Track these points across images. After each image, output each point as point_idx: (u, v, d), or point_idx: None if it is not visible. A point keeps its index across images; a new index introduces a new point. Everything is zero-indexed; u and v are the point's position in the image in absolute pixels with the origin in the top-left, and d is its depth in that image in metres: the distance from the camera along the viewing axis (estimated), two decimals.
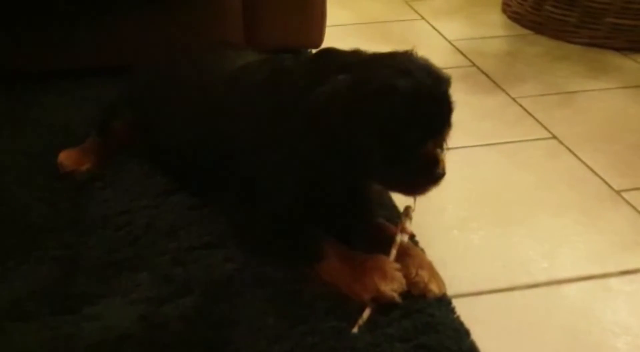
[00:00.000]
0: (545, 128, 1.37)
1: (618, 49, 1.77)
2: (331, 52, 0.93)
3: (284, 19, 1.56)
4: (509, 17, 2.04)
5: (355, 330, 0.80)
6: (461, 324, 0.83)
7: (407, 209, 0.96)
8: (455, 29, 1.96)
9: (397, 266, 0.87)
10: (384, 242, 0.91)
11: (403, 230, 0.92)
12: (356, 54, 0.91)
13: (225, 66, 1.08)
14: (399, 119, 0.81)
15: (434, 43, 1.88)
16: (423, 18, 2.06)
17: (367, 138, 0.82)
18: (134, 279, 0.91)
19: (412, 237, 0.97)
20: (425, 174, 0.86)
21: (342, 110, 0.82)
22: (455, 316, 0.84)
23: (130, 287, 0.89)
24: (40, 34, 1.44)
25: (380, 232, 0.95)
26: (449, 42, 1.87)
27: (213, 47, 1.22)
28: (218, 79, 1.06)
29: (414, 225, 0.97)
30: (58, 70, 1.49)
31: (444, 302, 0.86)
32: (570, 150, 1.29)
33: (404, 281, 0.86)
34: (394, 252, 0.89)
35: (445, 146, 0.90)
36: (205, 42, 1.31)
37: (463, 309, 0.86)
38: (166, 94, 1.13)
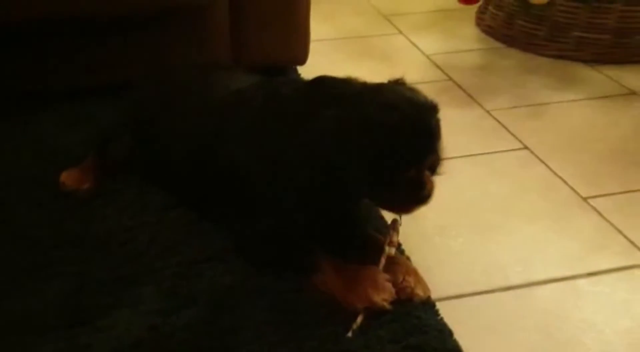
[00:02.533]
0: (518, 139, 1.46)
1: (585, 61, 1.87)
2: (325, 81, 1.00)
3: (270, 38, 1.62)
4: (483, 31, 2.13)
5: (349, 334, 0.87)
6: (445, 325, 0.91)
7: (395, 222, 1.04)
8: (432, 43, 2.05)
9: (387, 276, 0.94)
10: (373, 252, 0.98)
11: (391, 243, 1.00)
12: (348, 85, 0.97)
13: (220, 89, 1.15)
14: (382, 150, 0.89)
15: (412, 57, 1.97)
16: (401, 33, 2.15)
17: (356, 169, 0.89)
18: (140, 292, 0.97)
19: (398, 246, 1.06)
20: (411, 196, 0.94)
21: (331, 145, 0.90)
22: (439, 317, 0.92)
23: (138, 300, 0.96)
24: (36, 55, 1.50)
25: (369, 243, 1.02)
26: (427, 56, 1.96)
27: (207, 68, 1.29)
28: (213, 102, 1.12)
29: (400, 235, 1.05)
30: (54, 90, 1.55)
31: (428, 306, 0.94)
32: (541, 160, 1.38)
33: (393, 290, 0.93)
34: (382, 261, 0.97)
35: (438, 169, 0.98)
36: (199, 64, 1.38)
37: (446, 311, 0.94)
38: (163, 115, 1.19)
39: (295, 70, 1.76)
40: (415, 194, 0.94)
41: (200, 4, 1.48)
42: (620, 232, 1.14)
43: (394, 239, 1.01)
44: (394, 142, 0.89)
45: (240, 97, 1.08)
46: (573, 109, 1.62)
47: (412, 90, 0.96)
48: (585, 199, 1.24)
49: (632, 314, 0.96)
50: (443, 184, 1.17)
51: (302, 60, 1.70)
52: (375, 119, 0.89)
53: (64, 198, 1.20)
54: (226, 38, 1.60)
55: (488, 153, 1.42)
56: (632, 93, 1.69)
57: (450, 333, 0.89)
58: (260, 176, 0.98)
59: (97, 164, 1.26)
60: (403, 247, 1.07)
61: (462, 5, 1.96)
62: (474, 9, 2.19)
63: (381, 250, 0.98)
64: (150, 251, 1.06)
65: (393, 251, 0.99)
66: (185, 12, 1.51)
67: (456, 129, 1.52)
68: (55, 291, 0.98)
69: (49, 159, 1.30)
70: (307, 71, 1.72)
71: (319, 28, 2.10)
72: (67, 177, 1.23)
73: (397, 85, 0.97)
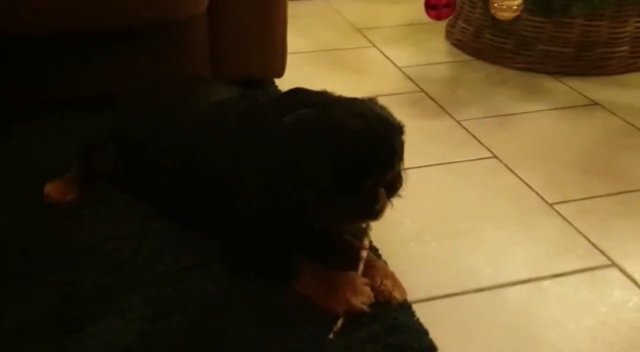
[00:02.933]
0: (487, 148, 1.53)
1: (549, 73, 1.96)
2: (300, 91, 1.05)
3: (247, 51, 1.67)
4: (452, 44, 2.21)
5: (331, 336, 0.92)
6: (421, 325, 0.96)
7: (366, 228, 1.09)
8: (404, 55, 2.12)
9: (366, 280, 1.00)
10: (351, 257, 1.04)
11: (364, 247, 1.06)
12: (322, 95, 1.03)
13: (201, 101, 1.19)
14: (347, 155, 0.92)
15: (385, 70, 2.03)
16: (374, 46, 2.22)
17: (319, 168, 0.92)
18: (129, 299, 1.00)
19: (375, 251, 1.11)
20: (364, 208, 0.98)
21: (301, 140, 0.94)
22: (415, 318, 0.97)
23: (127, 306, 0.99)
24: (21, 68, 1.52)
25: (347, 249, 1.07)
26: (399, 68, 2.03)
27: (188, 81, 1.33)
28: (194, 114, 1.16)
29: (377, 241, 1.12)
30: (39, 102, 1.57)
31: (405, 307, 0.99)
32: (509, 169, 1.45)
33: (372, 294, 0.98)
34: (361, 266, 1.02)
35: (396, 189, 1.02)
36: (180, 77, 1.42)
37: (421, 312, 0.99)
38: (145, 127, 1.23)
39: (273, 83, 1.81)
40: (368, 206, 0.97)
41: (181, 18, 1.52)
42: (583, 235, 1.21)
43: (365, 243, 1.06)
44: (358, 150, 0.93)
45: (221, 109, 1.13)
46: (539, 119, 1.69)
47: (383, 108, 1.01)
48: (550, 204, 1.31)
49: (595, 313, 1.02)
50: (417, 191, 1.23)
51: (280, 73, 1.75)
52: (344, 124, 0.93)
53: (49, 209, 1.22)
54: (205, 52, 1.64)
55: (459, 162, 1.48)
56: (594, 104, 1.78)
57: (425, 333, 0.94)
58: (236, 180, 1.02)
59: (81, 176, 1.29)
60: (380, 252, 1.12)
61: (432, 20, 2.03)
62: (443, 23, 2.27)
63: (358, 255, 1.03)
64: (136, 259, 1.10)
65: (365, 253, 1.04)
66: (166, 27, 1.55)
67: (428, 138, 1.58)
68: (44, 299, 1.00)
69: (34, 170, 1.33)
70: (285, 84, 1.77)
71: (295, 41, 2.14)
72: (52, 189, 1.25)
73: (369, 101, 1.02)
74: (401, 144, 0.99)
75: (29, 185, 1.28)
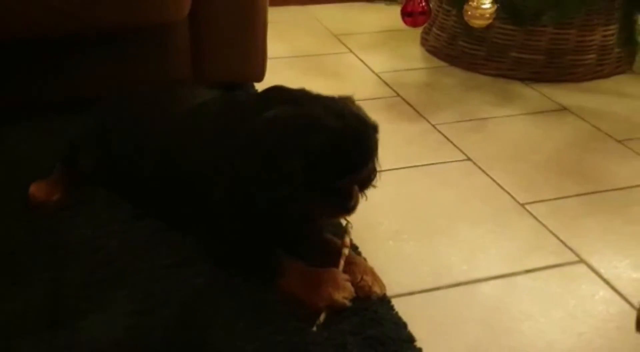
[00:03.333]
0: (461, 151, 1.59)
1: (521, 80, 2.03)
2: (279, 89, 1.07)
3: (228, 56, 1.70)
4: (427, 51, 2.27)
5: (314, 329, 0.96)
6: (399, 318, 1.00)
7: (346, 226, 1.13)
8: (381, 61, 2.18)
9: (347, 276, 1.03)
10: (332, 254, 1.07)
11: (345, 244, 1.10)
12: (301, 93, 1.05)
13: (183, 103, 1.22)
14: (322, 152, 0.95)
15: (362, 75, 2.08)
16: (352, 51, 2.27)
17: (294, 163, 0.95)
18: (116, 295, 1.03)
19: (355, 249, 1.15)
20: (337, 204, 1.01)
21: (278, 134, 0.96)
22: (394, 312, 1.01)
23: (114, 302, 1.01)
24: (3, 70, 1.53)
25: (328, 246, 1.11)
26: (376, 74, 2.08)
27: (171, 85, 1.35)
28: (177, 116, 1.19)
29: (357, 239, 1.15)
30: (20, 104, 1.58)
31: (384, 301, 1.03)
32: (482, 170, 1.50)
33: (352, 289, 1.02)
34: (342, 263, 1.06)
35: (370, 183, 1.06)
36: (163, 81, 1.45)
37: (399, 307, 1.03)
38: (130, 129, 1.25)
39: (253, 87, 1.84)
40: (342, 202, 1.01)
41: (164, 23, 1.55)
42: (553, 234, 1.27)
43: (347, 240, 1.10)
44: (334, 147, 0.95)
45: (202, 109, 1.16)
46: (511, 123, 1.76)
47: (358, 107, 1.04)
48: (522, 204, 1.37)
49: (564, 305, 1.08)
50: (395, 192, 1.28)
51: (260, 78, 1.78)
52: (320, 121, 0.96)
53: (34, 210, 1.24)
54: (187, 56, 1.67)
55: (434, 163, 1.53)
56: (564, 109, 1.85)
57: (404, 325, 0.99)
58: (213, 176, 1.04)
59: (65, 176, 1.30)
60: (360, 250, 1.16)
61: (407, 27, 2.08)
62: (419, 30, 2.33)
63: (339, 253, 1.07)
64: (122, 257, 1.12)
65: (347, 251, 1.08)
66: (149, 31, 1.57)
67: (405, 141, 1.63)
68: (32, 296, 1.02)
69: (17, 171, 1.34)
70: (264, 87, 1.80)
71: (274, 46, 2.17)
72: (36, 189, 1.26)
73: (345, 99, 1.05)
74: (376, 143, 1.02)
75: (13, 186, 1.29)
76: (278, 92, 1.07)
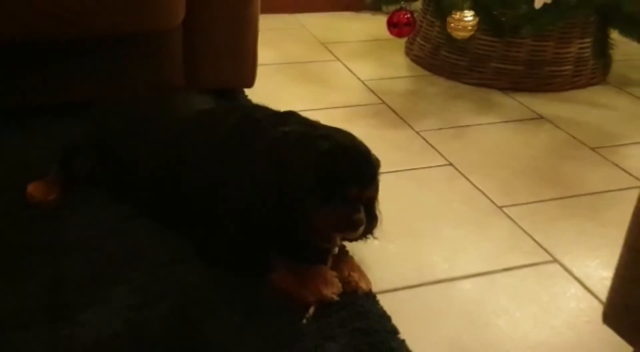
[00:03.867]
0: (444, 157, 1.66)
1: (501, 89, 2.11)
2: (294, 113, 1.17)
3: (220, 62, 1.75)
4: (412, 60, 2.34)
5: (304, 321, 1.02)
6: (384, 312, 1.06)
7: None
8: (366, 69, 2.24)
9: (335, 273, 1.09)
10: (320, 251, 1.13)
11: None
12: (313, 121, 1.14)
13: (183, 108, 1.28)
14: (333, 161, 1.03)
15: (348, 82, 2.14)
16: (338, 59, 2.33)
17: (307, 169, 1.02)
18: (114, 290, 1.07)
19: (342, 247, 1.20)
20: (344, 218, 1.05)
21: (292, 143, 1.05)
22: (379, 306, 1.07)
23: (112, 297, 1.06)
24: None
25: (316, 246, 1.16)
26: (362, 81, 2.15)
27: (167, 91, 1.41)
28: (178, 121, 1.24)
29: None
30: (15, 108, 1.62)
31: (370, 296, 1.09)
32: (463, 175, 1.57)
33: (340, 285, 1.08)
34: (330, 260, 1.12)
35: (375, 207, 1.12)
36: (157, 88, 1.50)
37: (385, 302, 1.09)
38: (129, 132, 1.30)
39: (243, 93, 1.90)
40: (348, 216, 1.05)
41: (158, 30, 1.60)
42: (529, 235, 1.34)
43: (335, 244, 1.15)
44: (344, 158, 1.04)
45: (211, 116, 1.21)
46: (491, 131, 1.83)
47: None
48: (500, 207, 1.44)
49: (538, 301, 1.14)
50: (380, 195, 1.33)
51: (250, 84, 1.84)
52: (332, 136, 1.05)
53: (32, 209, 1.28)
54: (180, 62, 1.72)
55: (417, 168, 1.60)
56: (541, 118, 1.93)
57: (389, 318, 1.05)
58: (223, 183, 1.10)
59: (61, 177, 1.34)
60: (348, 248, 1.22)
61: (393, 37, 2.15)
62: (403, 39, 2.40)
63: (328, 250, 1.13)
64: (119, 255, 1.17)
65: (336, 250, 1.14)
66: (144, 38, 1.62)
67: (389, 147, 1.69)
68: (33, 291, 1.07)
69: (15, 172, 1.38)
70: (254, 93, 1.87)
71: (262, 53, 2.21)
72: (34, 189, 1.31)
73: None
74: (377, 177, 1.09)
75: (11, 186, 1.33)
76: (294, 115, 1.16)
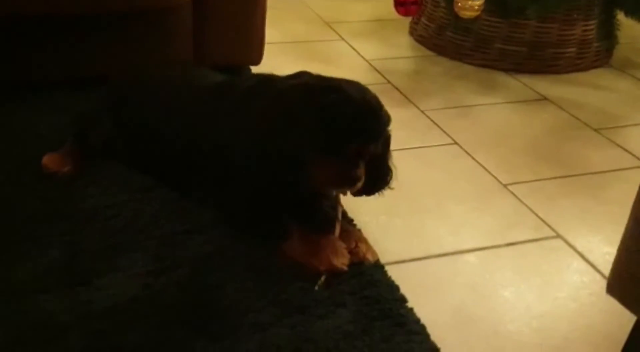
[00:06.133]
0: (448, 136, 1.68)
1: (505, 70, 2.13)
2: (305, 72, 1.17)
3: (229, 39, 1.77)
4: (416, 40, 2.36)
5: (316, 288, 1.05)
6: (393, 281, 1.09)
7: (337, 196, 1.21)
8: (371, 49, 2.26)
9: (344, 244, 1.12)
10: (328, 223, 1.16)
11: (338, 217, 1.18)
12: (327, 77, 1.14)
13: (200, 80, 1.30)
14: (340, 113, 1.03)
15: (353, 61, 2.16)
16: (343, 39, 2.35)
17: (313, 117, 1.03)
18: (130, 258, 1.10)
19: (350, 221, 1.24)
20: (343, 173, 1.06)
21: (300, 93, 1.06)
22: (388, 276, 1.10)
23: (129, 264, 1.09)
24: (13, 47, 1.59)
25: (325, 215, 1.18)
26: (366, 60, 2.16)
27: (182, 64, 1.43)
28: (197, 91, 1.26)
29: (352, 213, 1.26)
30: (23, 82, 1.64)
31: (379, 267, 1.12)
32: (468, 153, 1.60)
33: (349, 256, 1.11)
34: (338, 229, 1.14)
35: (387, 158, 1.15)
36: (172, 61, 1.51)
37: (392, 273, 1.12)
38: (147, 103, 1.31)
39: (249, 70, 1.91)
40: (348, 171, 1.06)
41: (168, 6, 1.61)
42: (532, 211, 1.37)
43: (339, 211, 1.19)
44: (352, 112, 1.04)
45: (227, 85, 1.23)
46: (495, 111, 1.86)
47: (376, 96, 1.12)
48: (504, 185, 1.47)
49: (542, 274, 1.18)
50: None
51: (257, 61, 1.86)
52: (343, 88, 1.05)
53: (47, 180, 1.30)
54: (189, 39, 1.73)
55: (423, 147, 1.62)
56: (544, 99, 1.95)
57: (397, 288, 1.08)
58: (235, 137, 1.12)
59: (76, 149, 1.37)
60: (356, 223, 1.25)
61: (397, 16, 2.16)
62: (407, 19, 2.41)
63: (335, 222, 1.16)
64: (134, 224, 1.19)
65: (340, 212, 1.17)
66: (154, 14, 1.63)
67: (395, 126, 1.68)
68: (51, 258, 1.09)
69: (29, 145, 1.40)
70: (260, 71, 1.88)
71: (267, 32, 2.24)
72: (49, 160, 1.33)
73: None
74: (388, 131, 1.11)
75: (26, 159, 1.35)
76: (305, 74, 1.16)
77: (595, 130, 1.76)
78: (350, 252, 1.13)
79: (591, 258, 1.23)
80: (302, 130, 1.03)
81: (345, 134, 1.04)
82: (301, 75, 1.15)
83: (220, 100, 1.21)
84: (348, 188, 1.11)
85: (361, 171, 1.07)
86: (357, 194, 1.16)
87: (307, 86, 1.07)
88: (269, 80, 1.18)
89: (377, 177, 1.16)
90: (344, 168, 1.06)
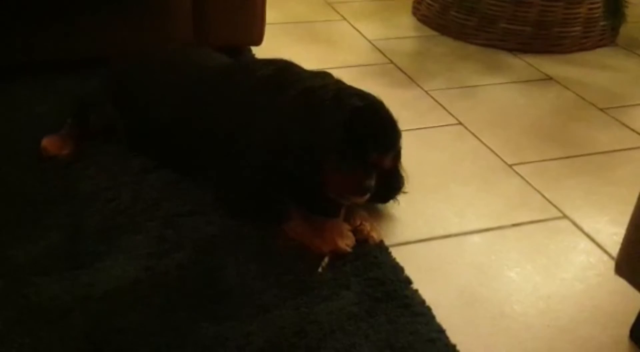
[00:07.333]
0: (453, 116, 1.66)
1: (509, 50, 2.10)
2: (328, 73, 1.19)
3: (230, 19, 1.74)
4: (419, 20, 2.33)
5: (319, 270, 1.04)
6: (397, 263, 1.08)
7: None
8: (373, 29, 2.23)
9: (348, 226, 1.11)
10: (333, 204, 1.14)
11: None
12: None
13: (203, 62, 1.28)
14: (367, 123, 1.06)
15: (356, 42, 2.13)
16: (345, 19, 2.32)
17: (341, 125, 1.04)
18: (132, 240, 1.09)
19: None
20: (356, 181, 1.06)
21: (329, 98, 1.06)
22: (392, 257, 1.09)
23: (130, 246, 1.08)
24: (10, 29, 1.56)
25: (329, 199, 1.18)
26: (369, 41, 2.14)
27: (184, 45, 1.40)
28: (202, 73, 1.24)
29: None
30: (21, 64, 1.62)
31: (383, 248, 1.11)
32: (472, 134, 1.58)
33: (354, 238, 1.10)
34: (342, 211, 1.13)
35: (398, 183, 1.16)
36: (174, 43, 1.49)
37: (397, 254, 1.11)
38: (150, 85, 1.29)
39: (250, 51, 1.89)
40: (361, 179, 1.06)
41: None
42: (538, 192, 1.35)
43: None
44: (375, 122, 1.07)
45: (245, 67, 1.23)
46: (499, 91, 1.83)
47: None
48: (510, 165, 1.45)
49: (547, 255, 1.16)
50: None
51: (258, 41, 1.83)
52: (368, 98, 1.08)
53: (47, 163, 1.29)
54: (189, 19, 1.71)
55: (427, 127, 1.60)
56: (549, 78, 1.93)
57: (402, 269, 1.07)
58: (250, 132, 1.12)
59: (75, 132, 1.35)
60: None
61: None
62: (410, 0, 2.38)
63: (340, 204, 1.14)
64: (135, 206, 1.18)
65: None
66: None
67: (399, 106, 1.65)
68: (53, 240, 1.08)
69: (27, 127, 1.39)
70: (261, 53, 1.86)
71: (268, 13, 2.22)
72: (48, 143, 1.32)
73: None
74: (399, 145, 1.13)
75: (25, 142, 1.34)
76: (328, 74, 1.18)
77: (601, 110, 1.73)
78: (355, 230, 1.12)
79: (598, 239, 1.21)
80: (329, 130, 1.04)
81: (370, 142, 1.06)
82: (325, 76, 1.16)
83: (232, 84, 1.19)
84: (357, 197, 1.09)
85: (372, 182, 1.07)
86: (371, 201, 1.15)
87: (336, 90, 1.09)
88: (289, 70, 1.17)
89: (390, 186, 1.18)
90: (358, 176, 1.06)
